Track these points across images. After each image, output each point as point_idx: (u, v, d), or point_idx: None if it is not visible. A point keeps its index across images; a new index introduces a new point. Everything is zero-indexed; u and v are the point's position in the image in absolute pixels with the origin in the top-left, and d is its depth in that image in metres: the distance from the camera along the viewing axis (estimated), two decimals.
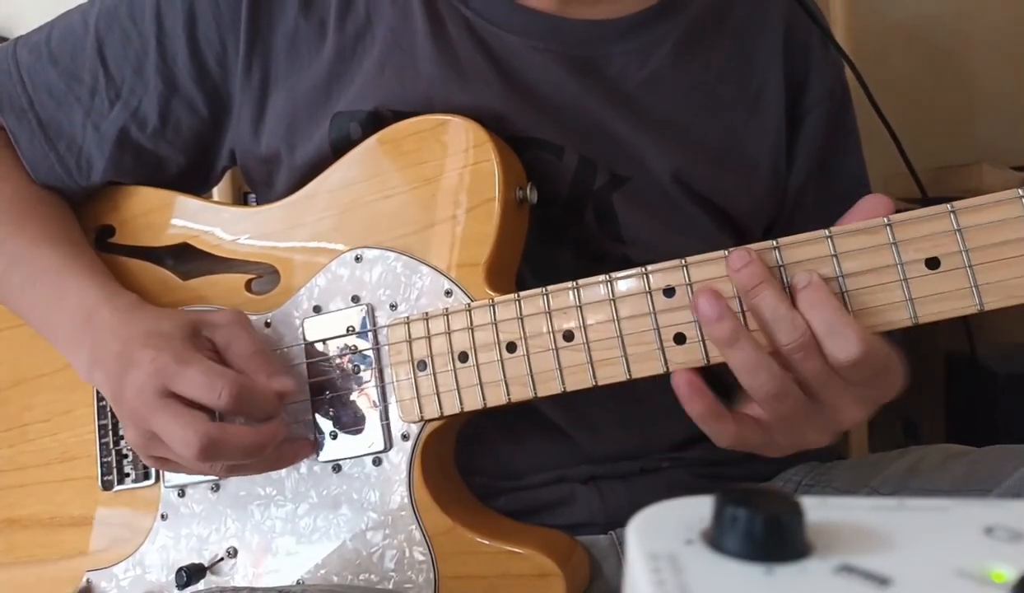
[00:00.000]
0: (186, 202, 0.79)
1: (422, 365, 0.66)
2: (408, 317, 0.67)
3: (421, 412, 0.66)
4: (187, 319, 0.68)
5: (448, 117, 0.69)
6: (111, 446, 0.76)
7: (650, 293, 0.60)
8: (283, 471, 0.70)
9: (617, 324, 0.61)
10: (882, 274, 0.55)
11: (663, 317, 0.59)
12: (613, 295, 0.61)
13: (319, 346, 0.70)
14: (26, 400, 0.81)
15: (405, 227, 0.69)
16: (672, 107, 0.76)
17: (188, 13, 0.76)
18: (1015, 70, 1.68)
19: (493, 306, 0.64)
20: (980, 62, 1.72)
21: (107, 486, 0.76)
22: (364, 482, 0.68)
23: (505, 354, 0.63)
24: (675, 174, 0.74)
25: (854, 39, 1.32)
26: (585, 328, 0.61)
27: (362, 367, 0.69)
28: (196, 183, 0.83)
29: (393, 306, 0.68)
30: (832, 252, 0.56)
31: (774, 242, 0.57)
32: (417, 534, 0.66)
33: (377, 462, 0.68)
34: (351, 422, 0.69)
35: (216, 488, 0.72)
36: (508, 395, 0.63)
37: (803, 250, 0.56)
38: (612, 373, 0.61)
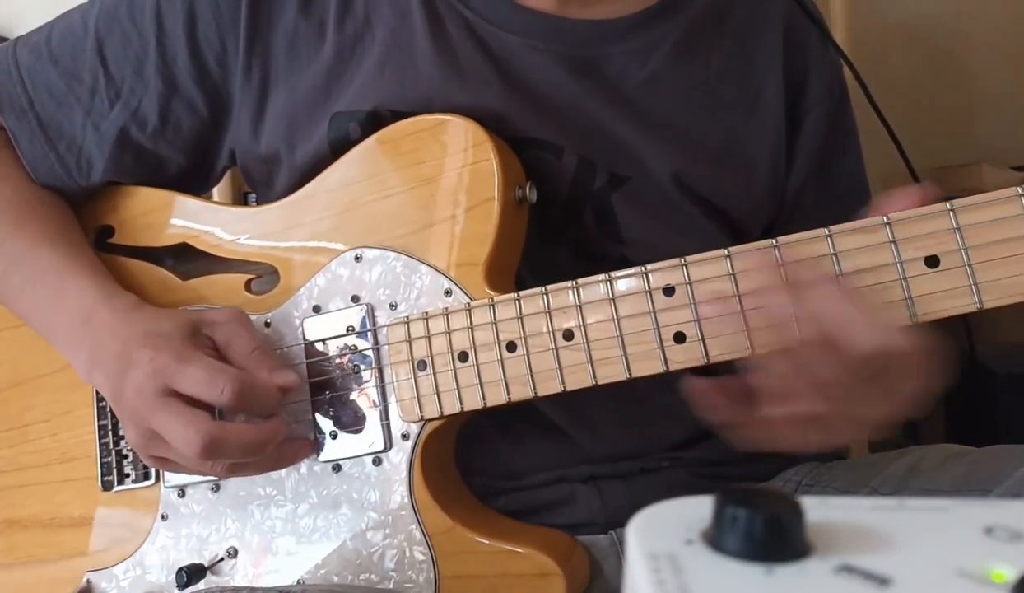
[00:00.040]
0: (186, 202, 0.79)
1: (422, 365, 0.66)
2: (408, 317, 0.67)
3: (421, 412, 0.66)
4: (186, 318, 0.68)
5: (447, 117, 0.69)
6: (111, 446, 0.76)
7: (650, 292, 0.60)
8: (283, 471, 0.70)
9: (617, 323, 0.61)
10: (881, 273, 0.55)
11: (663, 316, 0.59)
12: (613, 294, 0.61)
13: (319, 346, 0.70)
14: (26, 400, 0.81)
15: (404, 227, 0.69)
16: (672, 107, 0.76)
17: (188, 13, 0.76)
18: (1015, 70, 1.68)
19: (493, 305, 0.64)
20: (980, 62, 1.72)
21: (107, 486, 0.76)
22: (364, 482, 0.68)
23: (505, 353, 0.63)
24: (675, 175, 0.74)
25: (854, 39, 1.32)
26: (585, 327, 0.61)
27: (362, 367, 0.69)
28: (196, 183, 0.83)
29: (393, 306, 0.68)
30: (831, 251, 0.56)
31: (774, 241, 0.57)
32: (417, 534, 0.66)
33: (377, 462, 0.68)
34: (351, 422, 0.69)
35: (216, 488, 0.72)
36: (508, 394, 0.63)
37: (803, 249, 0.57)
38: (612, 372, 0.61)
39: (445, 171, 0.69)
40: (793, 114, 0.81)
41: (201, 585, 0.71)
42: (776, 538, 0.25)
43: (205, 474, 0.69)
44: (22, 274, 0.75)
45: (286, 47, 0.76)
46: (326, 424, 0.69)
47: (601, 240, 0.74)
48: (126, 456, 0.75)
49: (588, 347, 0.61)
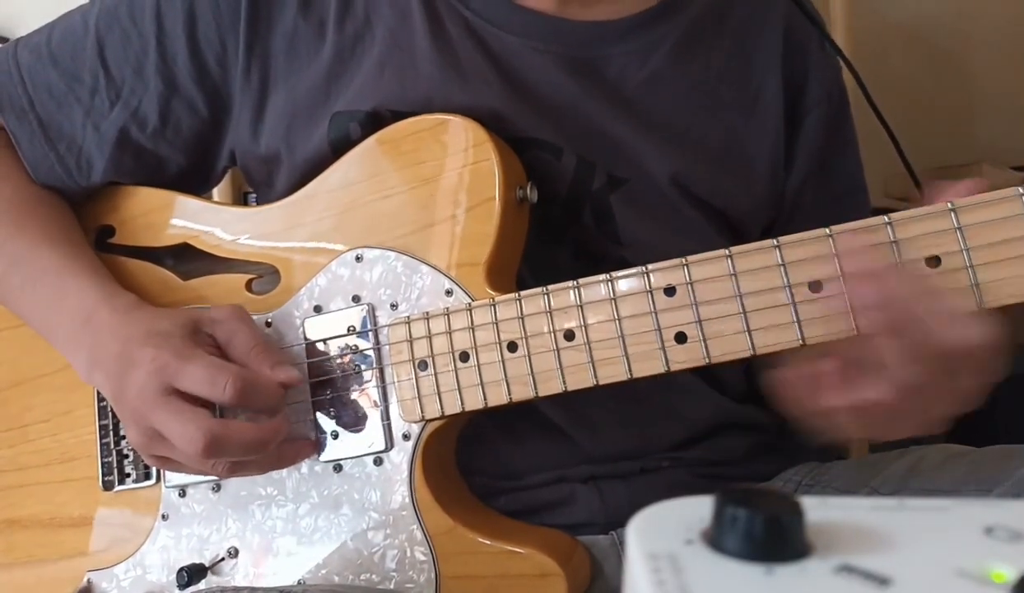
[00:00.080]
0: (186, 202, 0.79)
1: (423, 365, 0.66)
2: (409, 317, 0.67)
3: (422, 412, 0.66)
4: (186, 317, 0.68)
5: (448, 117, 0.69)
6: (112, 446, 0.76)
7: (651, 292, 0.60)
8: (284, 471, 0.70)
9: (618, 323, 0.61)
10: None
11: (664, 316, 0.59)
12: (614, 294, 0.61)
13: (320, 346, 0.70)
14: (26, 400, 0.81)
15: (405, 227, 0.69)
16: (672, 108, 0.76)
17: (188, 13, 0.76)
18: (1015, 70, 1.68)
19: (494, 305, 0.64)
20: (980, 62, 1.72)
21: (108, 486, 0.76)
22: (365, 482, 0.68)
23: (506, 354, 0.63)
24: (674, 176, 0.74)
25: (854, 39, 1.32)
26: (586, 327, 0.61)
27: (363, 367, 0.69)
28: (196, 183, 0.83)
29: (394, 306, 0.68)
30: (833, 251, 0.56)
31: (775, 241, 0.57)
32: (418, 534, 0.66)
33: (378, 462, 0.68)
34: (352, 422, 0.69)
35: (217, 488, 0.72)
36: (509, 395, 0.63)
37: (804, 249, 0.56)
38: (613, 372, 0.61)
39: (446, 171, 0.69)
40: (793, 115, 0.81)
41: (202, 585, 0.71)
42: (776, 538, 0.25)
43: (206, 474, 0.69)
44: (22, 274, 0.75)
45: (286, 47, 0.76)
46: (327, 424, 0.69)
47: (600, 240, 0.74)
48: (127, 456, 0.76)
49: (589, 347, 0.61)
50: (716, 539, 0.25)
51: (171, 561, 0.73)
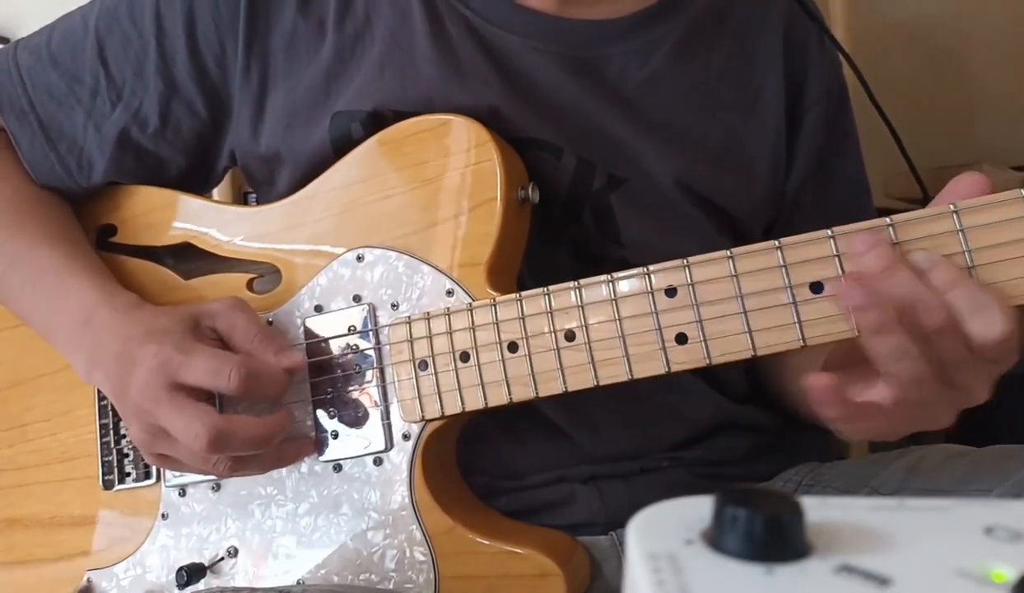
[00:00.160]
0: (188, 202, 0.79)
1: (423, 365, 0.66)
2: (409, 317, 0.67)
3: (422, 412, 0.66)
4: (186, 313, 0.68)
5: (449, 117, 0.69)
6: (112, 445, 0.76)
7: (652, 293, 0.60)
8: (283, 471, 0.70)
9: (619, 324, 0.61)
10: None
11: (665, 317, 0.59)
12: (615, 295, 0.61)
13: (321, 345, 0.70)
14: (26, 400, 0.81)
15: (406, 227, 0.69)
16: (672, 108, 0.76)
17: (187, 14, 0.76)
18: (1015, 70, 1.68)
19: (495, 306, 0.64)
20: (980, 62, 1.72)
21: (108, 486, 0.76)
22: (365, 482, 0.68)
23: (507, 354, 0.63)
24: (674, 175, 0.74)
25: (854, 39, 1.32)
26: (587, 328, 0.61)
27: (363, 367, 0.69)
28: (197, 184, 0.83)
29: (394, 306, 0.68)
30: (834, 252, 0.56)
31: (776, 242, 0.57)
32: (418, 534, 0.66)
33: (378, 462, 0.68)
34: (352, 422, 0.69)
35: (217, 488, 0.72)
36: (510, 395, 0.63)
37: (806, 250, 0.56)
38: (614, 373, 0.61)
39: (447, 171, 0.69)
40: (793, 114, 0.81)
41: (201, 585, 0.71)
42: (776, 538, 0.25)
43: (207, 472, 0.69)
44: (22, 274, 0.75)
45: (285, 47, 0.76)
46: (327, 423, 0.69)
47: (601, 241, 0.74)
48: (127, 455, 0.76)
49: (590, 348, 0.61)
50: (716, 539, 0.26)
51: (171, 560, 0.73)
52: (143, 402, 0.64)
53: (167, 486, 0.74)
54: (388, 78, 0.73)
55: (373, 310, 0.69)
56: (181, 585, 0.71)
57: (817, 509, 0.27)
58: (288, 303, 0.72)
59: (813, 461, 0.79)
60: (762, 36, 0.80)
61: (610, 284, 0.61)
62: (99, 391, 0.76)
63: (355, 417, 0.69)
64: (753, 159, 0.78)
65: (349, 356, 0.69)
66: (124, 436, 0.75)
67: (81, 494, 0.77)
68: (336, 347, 0.70)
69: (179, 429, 0.63)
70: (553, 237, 0.73)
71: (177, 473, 0.73)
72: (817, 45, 0.83)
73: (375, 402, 0.68)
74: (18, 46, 0.82)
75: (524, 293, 0.63)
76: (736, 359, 0.58)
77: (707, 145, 0.76)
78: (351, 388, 0.69)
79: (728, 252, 0.58)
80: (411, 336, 0.67)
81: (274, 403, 0.69)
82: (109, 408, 0.76)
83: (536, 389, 0.63)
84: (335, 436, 0.69)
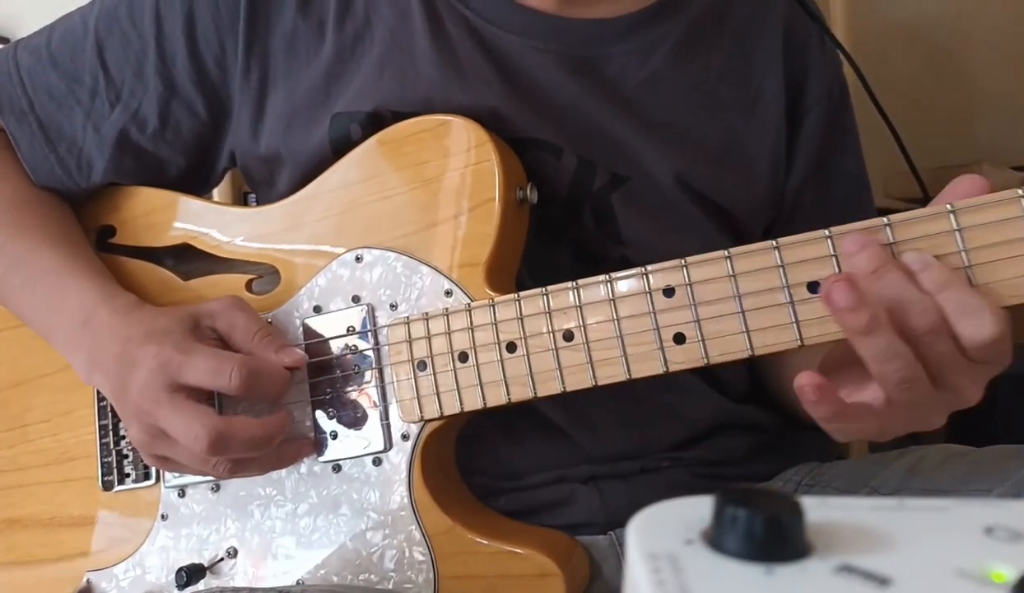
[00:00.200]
0: (187, 202, 0.79)
1: (422, 365, 0.66)
2: (408, 317, 0.67)
3: (421, 412, 0.66)
4: (185, 313, 0.68)
5: (448, 117, 0.69)
6: (111, 446, 0.76)
7: (650, 293, 0.60)
8: (283, 471, 0.70)
9: (617, 324, 0.61)
10: None
11: (663, 317, 0.59)
12: (613, 295, 0.61)
13: (319, 346, 0.70)
14: (26, 401, 0.81)
15: (405, 227, 0.69)
16: (672, 107, 0.76)
17: (187, 15, 0.76)
18: (1015, 70, 1.68)
19: (493, 306, 0.64)
20: (980, 62, 1.72)
21: (107, 486, 0.76)
22: (364, 482, 0.68)
23: (505, 354, 0.63)
24: (675, 175, 0.74)
25: (854, 39, 1.32)
26: (585, 328, 0.61)
27: (362, 367, 0.69)
28: (196, 184, 0.83)
29: (393, 306, 0.68)
30: (832, 252, 0.56)
31: (773, 242, 0.57)
32: (417, 534, 0.66)
33: (377, 462, 0.68)
34: (351, 422, 0.69)
35: (216, 488, 0.72)
36: (508, 395, 0.63)
37: (803, 250, 0.56)
38: (612, 373, 0.61)
39: (446, 172, 0.69)
40: (793, 114, 0.81)
41: (201, 585, 0.71)
42: (776, 538, 0.25)
43: (207, 474, 0.69)
44: (22, 275, 0.75)
45: (285, 48, 0.76)
46: (326, 424, 0.69)
47: (601, 240, 0.74)
48: (126, 456, 0.76)
49: (588, 348, 0.61)
50: (716, 539, 0.25)
51: (170, 561, 0.73)
52: (143, 403, 0.64)
53: (166, 487, 0.74)
54: (388, 79, 0.73)
55: (372, 310, 0.69)
56: (181, 586, 0.70)
57: (817, 509, 0.27)
58: (287, 304, 0.72)
59: (813, 461, 0.79)
60: (762, 36, 0.80)
61: (608, 284, 0.61)
62: (98, 392, 0.76)
63: (354, 417, 0.69)
64: (753, 159, 0.78)
65: (348, 357, 0.69)
66: (123, 437, 0.75)
67: (81, 495, 0.77)
68: (335, 348, 0.70)
69: (179, 431, 0.63)
70: (553, 237, 0.73)
71: (176, 474, 0.73)
72: (817, 45, 0.83)
73: (374, 402, 0.68)
74: (18, 46, 0.82)
75: (522, 293, 0.63)
76: (734, 359, 0.58)
77: (707, 145, 0.76)
78: (350, 388, 0.69)
79: (726, 252, 0.58)
80: (410, 336, 0.67)
81: (274, 402, 0.69)
82: (108, 409, 0.76)
83: (535, 389, 0.63)
84: (334, 436, 0.69)
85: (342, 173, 0.72)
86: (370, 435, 0.68)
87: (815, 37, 0.83)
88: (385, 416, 0.68)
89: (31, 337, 0.76)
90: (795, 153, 0.81)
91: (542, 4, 0.74)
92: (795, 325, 0.56)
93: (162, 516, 0.74)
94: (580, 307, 0.62)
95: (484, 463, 0.73)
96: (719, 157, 0.77)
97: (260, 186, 0.82)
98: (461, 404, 0.65)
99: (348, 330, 0.69)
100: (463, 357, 0.65)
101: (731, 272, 0.58)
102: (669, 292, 0.59)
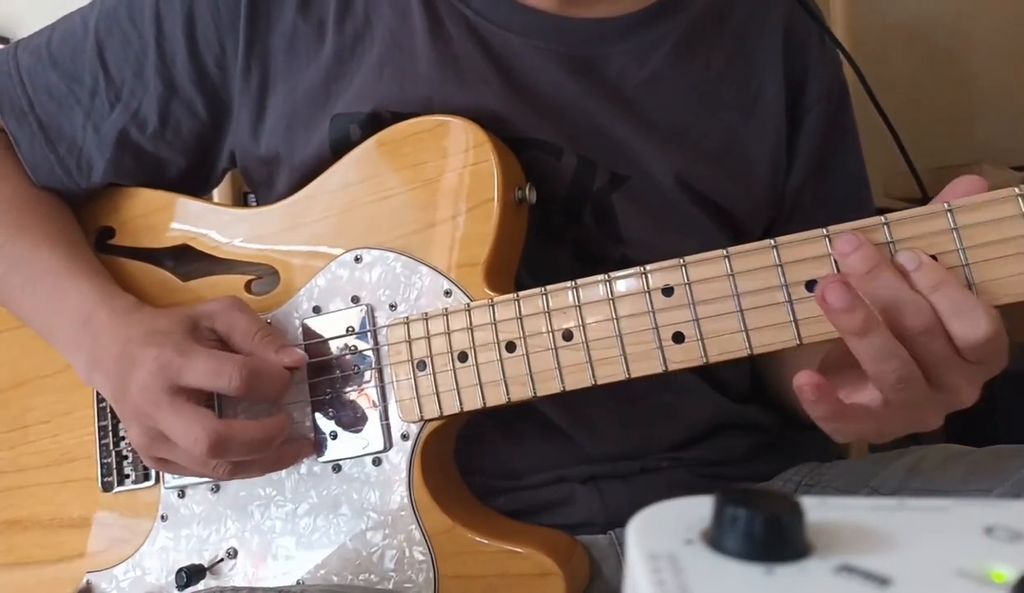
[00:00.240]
0: (186, 204, 0.79)
1: (422, 365, 0.66)
2: (407, 317, 0.67)
3: (421, 412, 0.66)
4: (184, 314, 0.68)
5: (447, 118, 0.69)
6: (111, 447, 0.76)
7: (649, 292, 0.60)
8: (283, 472, 0.70)
9: (616, 323, 0.61)
10: None
11: (662, 316, 0.59)
12: (612, 294, 0.61)
13: (319, 346, 0.70)
14: (27, 402, 0.81)
15: (404, 227, 0.69)
16: (672, 107, 0.76)
17: (187, 15, 0.76)
18: (1015, 70, 1.68)
19: (492, 306, 0.64)
20: (980, 62, 1.72)
21: (107, 487, 0.76)
22: (364, 482, 0.68)
23: (504, 354, 0.63)
24: (675, 175, 0.74)
25: (854, 39, 1.32)
26: (584, 327, 0.61)
27: (362, 367, 0.69)
28: (196, 184, 0.83)
29: (393, 306, 0.68)
30: (830, 251, 0.56)
31: (772, 241, 0.57)
32: (417, 534, 0.66)
33: (377, 462, 0.68)
34: (351, 422, 0.69)
35: (216, 489, 0.72)
36: (508, 395, 0.63)
37: (801, 249, 0.56)
38: (611, 372, 0.61)
39: (445, 172, 0.69)
40: (793, 114, 0.81)
41: (201, 586, 0.71)
42: (776, 538, 0.25)
43: (207, 476, 0.69)
44: (22, 276, 0.75)
45: (285, 48, 0.76)
46: (326, 424, 0.69)
47: (601, 240, 0.74)
48: (126, 457, 0.76)
49: (587, 347, 0.61)
50: (716, 539, 0.25)
51: (170, 562, 0.73)
52: (143, 405, 0.64)
53: (166, 488, 0.74)
54: (387, 79, 0.73)
55: (371, 311, 0.69)
56: (181, 586, 0.70)
57: (817, 509, 0.27)
58: (286, 304, 0.72)
59: (813, 461, 0.79)
60: (762, 36, 0.80)
61: (607, 284, 0.61)
62: (98, 393, 0.76)
63: (354, 418, 0.69)
64: (753, 159, 0.78)
65: (347, 357, 0.69)
66: (123, 438, 0.75)
67: (81, 496, 0.77)
68: (334, 348, 0.70)
69: (179, 433, 0.63)
70: (553, 237, 0.73)
71: (176, 475, 0.73)
72: (817, 45, 0.83)
73: (373, 403, 0.68)
74: (18, 47, 0.82)
75: (522, 293, 0.63)
76: (733, 358, 0.58)
77: (707, 145, 0.76)
78: (349, 389, 0.69)
79: (724, 251, 0.58)
80: (409, 336, 0.67)
81: (275, 402, 0.69)
82: (108, 410, 0.76)
83: (534, 389, 0.63)
84: (334, 437, 0.69)
85: (341, 174, 0.72)
86: (370, 435, 0.68)
87: (815, 37, 0.83)
88: (385, 416, 0.68)
89: (31, 338, 0.76)
90: (795, 153, 0.81)
91: (542, 4, 0.74)
92: (793, 324, 0.56)
93: (162, 517, 0.74)
94: (579, 306, 0.62)
95: (484, 463, 0.73)
96: (719, 157, 0.77)
97: (260, 187, 0.82)
98: (461, 404, 0.65)
99: (347, 330, 0.69)
100: (462, 357, 0.65)
101: (730, 271, 0.58)
102: (668, 291, 0.59)
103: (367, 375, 0.69)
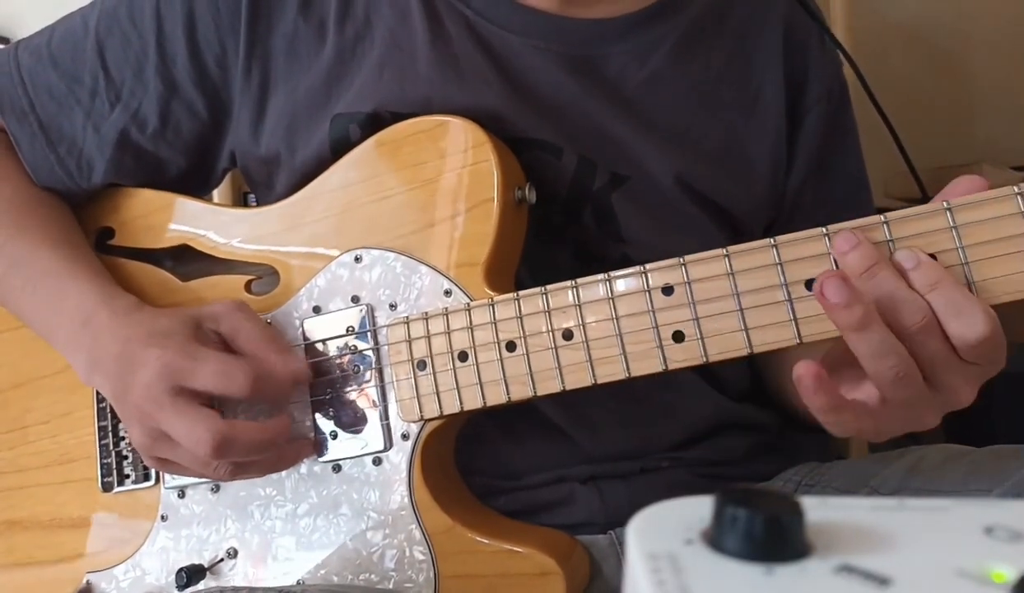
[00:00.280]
0: (186, 204, 0.79)
1: (422, 365, 0.66)
2: (408, 317, 0.67)
3: (421, 412, 0.66)
4: (187, 315, 0.68)
5: (447, 118, 0.69)
6: (111, 447, 0.76)
7: (649, 292, 0.60)
8: (283, 472, 0.70)
9: (616, 322, 0.61)
10: None
11: (662, 315, 0.59)
12: (612, 294, 0.61)
13: (319, 346, 0.70)
14: (27, 402, 0.81)
15: (404, 227, 0.69)
16: (672, 107, 0.76)
17: (188, 15, 0.76)
18: (1015, 70, 1.68)
19: (492, 305, 0.64)
20: (980, 62, 1.72)
21: (107, 487, 0.76)
22: (364, 482, 0.68)
23: (504, 353, 0.63)
24: (676, 175, 0.74)
25: (854, 39, 1.32)
26: (584, 327, 0.61)
27: (362, 367, 0.69)
28: (197, 185, 0.83)
29: (393, 306, 0.68)
30: (829, 250, 0.56)
31: (771, 240, 0.57)
32: (417, 533, 0.66)
33: (377, 462, 0.68)
34: (351, 422, 0.69)
35: (216, 489, 0.72)
36: (508, 394, 0.63)
37: (801, 248, 0.57)
38: (611, 371, 0.61)
39: (445, 172, 0.69)
40: (793, 114, 0.81)
41: (201, 586, 0.71)
42: (776, 538, 0.25)
43: (208, 476, 0.69)
44: (23, 276, 0.75)
45: (286, 49, 0.76)
46: (326, 424, 0.69)
47: (601, 240, 0.74)
48: (126, 457, 0.75)
49: (587, 346, 0.61)
50: (716, 539, 0.25)
51: (170, 562, 0.73)
52: (145, 405, 0.64)
53: (166, 488, 0.74)
54: (387, 79, 0.73)
55: (371, 311, 0.69)
56: (181, 586, 0.70)
57: (817, 509, 0.27)
58: (286, 304, 0.72)
59: (813, 461, 0.79)
60: (762, 36, 0.80)
61: (607, 283, 0.61)
62: (98, 393, 0.76)
63: (354, 418, 0.69)
64: (753, 159, 0.78)
65: (347, 357, 0.69)
66: (123, 438, 0.75)
67: (80, 496, 0.77)
68: (334, 348, 0.70)
69: (182, 434, 0.63)
70: (553, 237, 0.73)
71: (176, 475, 0.73)
72: (817, 45, 0.83)
73: (374, 402, 0.68)
74: (19, 47, 0.82)
75: (521, 293, 0.63)
76: (733, 357, 0.58)
77: (707, 145, 0.76)
78: (350, 389, 0.69)
79: (724, 250, 0.58)
80: (409, 336, 0.67)
81: (277, 405, 0.69)
82: (108, 410, 0.76)
83: (534, 388, 0.63)
84: (334, 437, 0.69)
85: (341, 174, 0.72)
86: (370, 435, 0.68)
87: (815, 37, 0.83)
88: (385, 416, 0.68)
89: (31, 339, 0.76)
90: (795, 153, 0.81)
91: (542, 4, 0.74)
92: (793, 322, 0.56)
93: (162, 517, 0.74)
94: (579, 306, 0.62)
95: (484, 463, 0.73)
96: (719, 157, 0.77)
97: (260, 187, 0.82)
98: (461, 403, 0.65)
99: (347, 330, 0.69)
100: (463, 356, 0.65)
101: (729, 270, 0.58)
102: (668, 290, 0.60)
103: (367, 375, 0.69)
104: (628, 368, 0.60)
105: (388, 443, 0.68)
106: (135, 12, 0.78)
